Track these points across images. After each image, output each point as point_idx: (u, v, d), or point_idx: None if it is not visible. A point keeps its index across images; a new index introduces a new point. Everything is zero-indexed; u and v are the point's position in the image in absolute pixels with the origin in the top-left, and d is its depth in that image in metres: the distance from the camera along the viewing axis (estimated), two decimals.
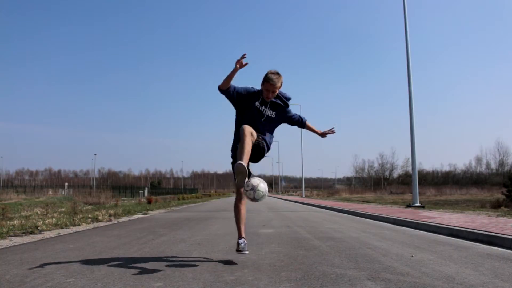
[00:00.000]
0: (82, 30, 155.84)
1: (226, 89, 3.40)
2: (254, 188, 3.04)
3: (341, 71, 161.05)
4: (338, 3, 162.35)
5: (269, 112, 3.52)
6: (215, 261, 3.39)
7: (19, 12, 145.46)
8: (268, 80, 3.37)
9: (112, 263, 3.28)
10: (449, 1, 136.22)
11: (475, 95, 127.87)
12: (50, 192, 39.92)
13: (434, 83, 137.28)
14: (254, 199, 3.06)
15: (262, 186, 3.07)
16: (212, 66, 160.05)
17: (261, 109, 3.48)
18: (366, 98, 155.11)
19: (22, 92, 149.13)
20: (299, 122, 3.81)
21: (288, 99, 3.62)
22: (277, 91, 3.47)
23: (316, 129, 3.87)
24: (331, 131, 3.84)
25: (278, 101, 3.55)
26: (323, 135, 3.87)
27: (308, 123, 3.85)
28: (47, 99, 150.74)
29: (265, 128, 3.54)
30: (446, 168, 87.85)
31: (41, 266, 3.15)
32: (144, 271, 2.92)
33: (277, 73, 3.42)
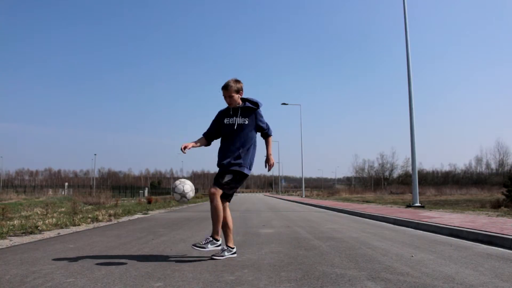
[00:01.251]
0: (82, 30, 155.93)
1: (209, 143, 3.78)
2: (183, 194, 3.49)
3: (341, 71, 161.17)
4: (338, 3, 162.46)
5: (240, 121, 3.60)
6: (215, 261, 3.39)
7: (20, 13, 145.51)
8: (222, 88, 3.59)
9: (112, 263, 3.29)
10: (449, 1, 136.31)
11: (475, 95, 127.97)
12: (50, 192, 39.93)
13: (434, 83, 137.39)
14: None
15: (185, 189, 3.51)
16: (212, 66, 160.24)
17: (231, 122, 3.61)
18: (366, 98, 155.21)
19: (22, 92, 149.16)
20: (264, 131, 3.73)
21: (255, 102, 3.66)
22: (234, 95, 3.57)
23: (269, 151, 3.80)
24: (269, 164, 3.76)
25: (248, 104, 3.64)
26: (267, 160, 3.77)
27: (270, 139, 3.80)
28: (47, 99, 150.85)
29: (241, 138, 3.57)
30: (446, 168, 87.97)
31: (41, 266, 3.15)
32: (144, 271, 2.92)
33: (234, 80, 3.60)
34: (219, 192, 3.49)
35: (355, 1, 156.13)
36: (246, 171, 3.56)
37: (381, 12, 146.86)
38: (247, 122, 3.60)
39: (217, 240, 3.50)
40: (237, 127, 3.58)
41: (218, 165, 3.60)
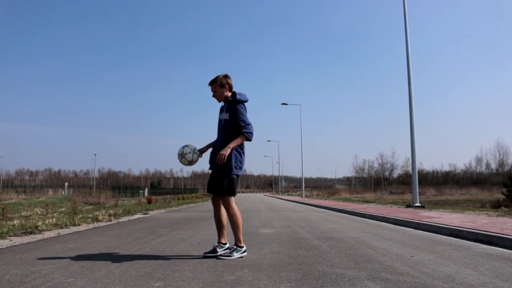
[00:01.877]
0: (82, 30, 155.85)
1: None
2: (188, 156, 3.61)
3: (341, 71, 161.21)
4: (338, 3, 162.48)
5: (225, 116, 3.55)
6: (215, 261, 3.39)
7: (20, 13, 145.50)
8: (208, 83, 3.60)
9: (112, 263, 3.29)
10: (449, 1, 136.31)
11: (475, 95, 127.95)
12: (50, 192, 39.95)
13: (434, 83, 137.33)
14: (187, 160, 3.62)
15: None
16: (212, 65, 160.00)
17: (220, 118, 3.62)
18: (366, 98, 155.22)
19: (22, 92, 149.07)
20: (240, 129, 3.45)
21: (235, 94, 3.56)
22: (219, 90, 3.56)
23: (229, 144, 3.41)
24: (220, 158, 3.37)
25: (230, 98, 3.58)
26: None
27: (242, 138, 3.45)
28: (47, 99, 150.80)
29: (227, 135, 3.50)
30: (446, 168, 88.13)
31: (41, 266, 3.15)
32: (144, 271, 2.92)
33: (222, 75, 3.58)
34: (225, 199, 3.50)
35: (355, 1, 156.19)
36: (235, 172, 3.48)
37: (381, 12, 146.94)
38: (228, 117, 3.51)
39: (241, 247, 3.54)
40: (223, 122, 3.55)
41: (210, 168, 3.57)
